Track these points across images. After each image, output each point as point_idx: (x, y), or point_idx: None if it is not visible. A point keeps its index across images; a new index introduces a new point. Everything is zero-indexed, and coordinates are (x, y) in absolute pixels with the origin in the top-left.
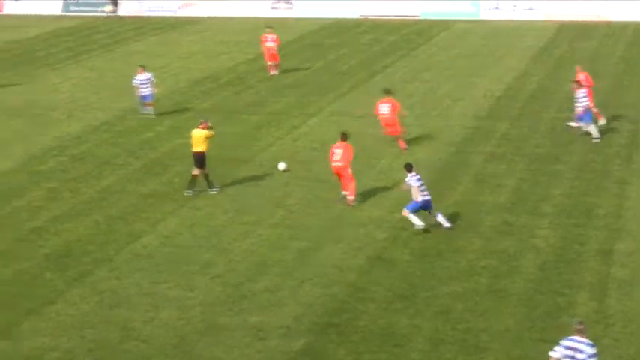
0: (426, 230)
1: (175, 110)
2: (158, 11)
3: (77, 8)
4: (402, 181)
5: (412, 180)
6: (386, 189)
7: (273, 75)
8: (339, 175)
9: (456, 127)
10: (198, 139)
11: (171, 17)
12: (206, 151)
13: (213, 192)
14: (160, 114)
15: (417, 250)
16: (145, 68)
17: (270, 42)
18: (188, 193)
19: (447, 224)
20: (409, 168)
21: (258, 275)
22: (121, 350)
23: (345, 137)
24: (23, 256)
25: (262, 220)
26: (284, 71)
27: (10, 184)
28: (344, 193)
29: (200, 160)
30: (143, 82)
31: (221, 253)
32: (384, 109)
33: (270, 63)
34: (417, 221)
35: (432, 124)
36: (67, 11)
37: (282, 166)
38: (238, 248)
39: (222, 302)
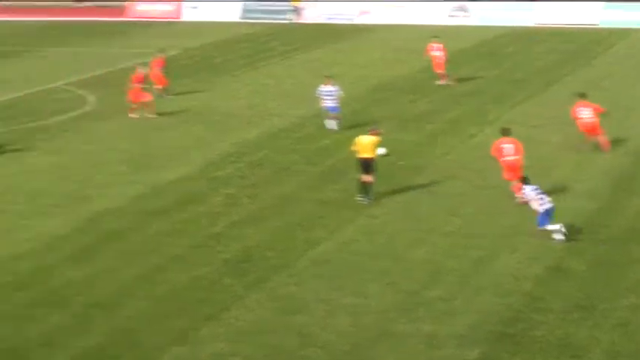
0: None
1: (353, 118)
2: (336, 19)
3: (255, 15)
4: (579, 191)
5: (529, 192)
6: (561, 199)
7: (443, 85)
8: (514, 171)
9: (636, 137)
10: (367, 145)
11: (349, 25)
12: (374, 157)
13: (363, 200)
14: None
15: (593, 260)
16: (331, 79)
17: (435, 51)
18: (361, 200)
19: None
20: (525, 180)
21: (433, 283)
22: (298, 357)
23: (508, 132)
24: (202, 261)
25: (437, 228)
26: (460, 79)
27: (189, 189)
28: (518, 196)
29: (368, 166)
30: (327, 93)
31: (396, 260)
32: (585, 112)
33: (439, 72)
34: (554, 227)
35: (612, 133)
36: (244, 18)
37: (381, 150)
38: (413, 256)
39: (397, 310)
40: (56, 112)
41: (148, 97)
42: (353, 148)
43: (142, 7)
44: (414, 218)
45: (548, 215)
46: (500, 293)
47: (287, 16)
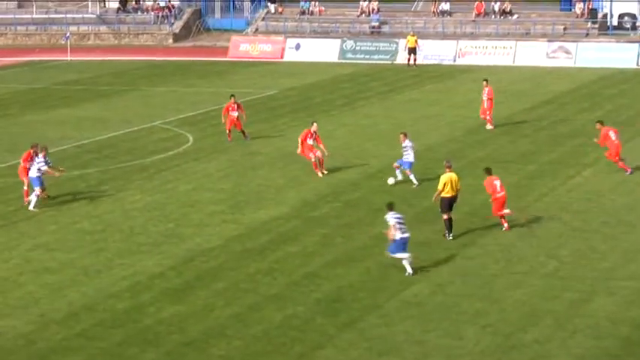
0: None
1: (451, 159)
2: (435, 59)
3: (353, 56)
4: None
5: (390, 218)
6: None
7: (491, 129)
8: (503, 204)
9: None
10: (456, 182)
11: (448, 65)
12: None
13: (449, 237)
14: (435, 160)
15: None
16: (407, 136)
17: (484, 95)
18: (449, 237)
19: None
20: (390, 206)
21: (529, 326)
22: None
23: (491, 171)
24: (295, 301)
25: (534, 270)
26: (561, 120)
27: (284, 229)
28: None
29: (452, 203)
30: (404, 149)
31: (492, 302)
32: None
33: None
34: (403, 255)
35: None
36: (343, 59)
37: (391, 180)
38: (509, 298)
39: (492, 352)
40: (155, 152)
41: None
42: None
43: (244, 48)
44: (511, 260)
45: (403, 245)
46: (596, 336)
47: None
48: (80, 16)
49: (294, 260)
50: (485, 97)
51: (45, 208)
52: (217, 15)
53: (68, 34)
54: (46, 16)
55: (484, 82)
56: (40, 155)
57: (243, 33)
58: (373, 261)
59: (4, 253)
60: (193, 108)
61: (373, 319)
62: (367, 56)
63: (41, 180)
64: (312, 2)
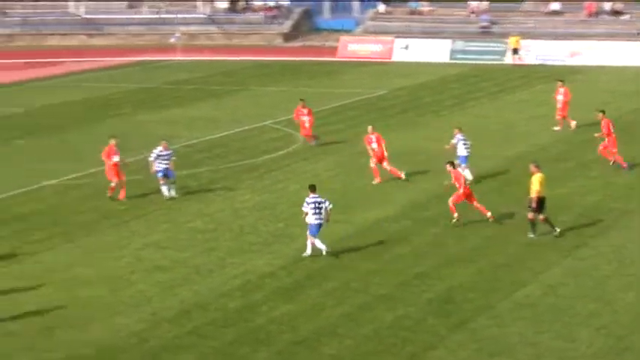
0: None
1: (558, 160)
2: (547, 60)
3: (464, 56)
4: None
5: (309, 200)
6: None
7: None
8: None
9: None
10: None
11: (559, 66)
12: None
13: (555, 233)
14: (548, 160)
15: None
16: (460, 130)
17: (559, 95)
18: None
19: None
20: (312, 188)
21: None
22: None
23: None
24: (406, 301)
25: None
26: None
27: (394, 229)
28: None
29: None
30: (456, 143)
31: (605, 304)
32: None
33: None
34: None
35: None
36: (453, 59)
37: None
38: (622, 300)
39: (604, 355)
40: (265, 151)
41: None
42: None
43: (353, 48)
44: (623, 261)
45: (316, 229)
46: None
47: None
48: (190, 16)
49: (405, 260)
50: (561, 98)
51: (156, 207)
52: (326, 15)
53: (178, 34)
54: (157, 16)
55: (559, 83)
56: (160, 147)
57: (352, 33)
58: (484, 261)
59: (115, 252)
60: None
61: (484, 320)
62: (476, 56)
63: (164, 171)
64: (422, 2)
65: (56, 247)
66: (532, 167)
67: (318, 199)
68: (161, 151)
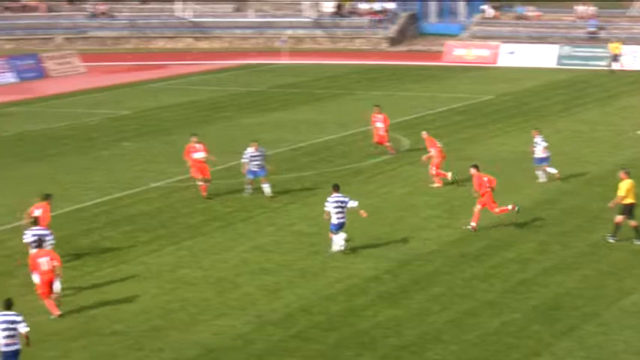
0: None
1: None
2: None
3: (571, 62)
4: None
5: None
6: None
7: None
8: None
9: None
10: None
11: None
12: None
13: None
14: None
15: None
16: (539, 132)
17: None
18: (611, 239)
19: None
20: (336, 188)
21: None
22: None
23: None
24: (511, 307)
25: None
26: None
27: (500, 234)
28: None
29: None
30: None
31: None
32: None
33: None
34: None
35: None
36: (560, 64)
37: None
38: None
39: None
40: (370, 155)
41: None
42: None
43: (459, 52)
44: None
45: (337, 228)
46: None
47: (604, 63)
48: (296, 20)
49: (511, 266)
50: None
51: (262, 210)
52: (432, 19)
53: (284, 38)
54: (263, 19)
55: None
56: (251, 149)
57: (458, 38)
58: (590, 268)
59: (222, 254)
60: (409, 112)
61: (591, 328)
62: (584, 62)
63: (254, 172)
64: (528, 7)
65: (162, 249)
66: (621, 174)
67: (341, 198)
68: (252, 152)
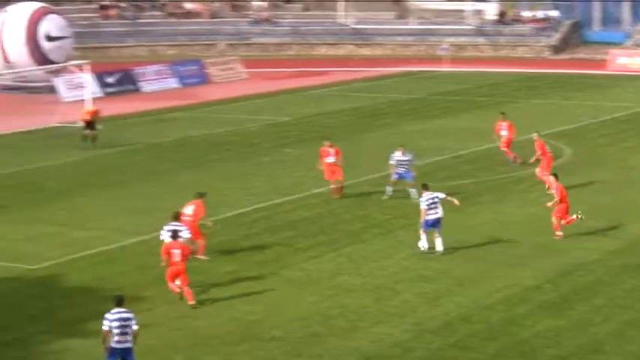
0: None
1: None
2: None
3: None
4: None
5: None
6: None
7: None
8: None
9: None
10: None
11: None
12: None
13: None
14: None
15: None
16: None
17: None
18: None
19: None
20: (425, 187)
21: None
22: None
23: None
24: None
25: None
26: None
27: None
28: None
29: None
30: None
31: None
32: None
33: None
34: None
35: None
36: None
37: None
38: None
39: None
40: (532, 164)
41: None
42: None
43: (623, 61)
44: None
45: (431, 225)
46: None
47: None
48: (458, 27)
49: None
50: None
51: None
52: (595, 27)
53: (446, 46)
54: (424, 27)
55: None
56: (398, 153)
57: (623, 46)
58: None
59: (381, 261)
60: (571, 121)
61: None
62: None
63: (400, 175)
64: None
65: (322, 256)
66: None
67: (432, 196)
68: (399, 157)
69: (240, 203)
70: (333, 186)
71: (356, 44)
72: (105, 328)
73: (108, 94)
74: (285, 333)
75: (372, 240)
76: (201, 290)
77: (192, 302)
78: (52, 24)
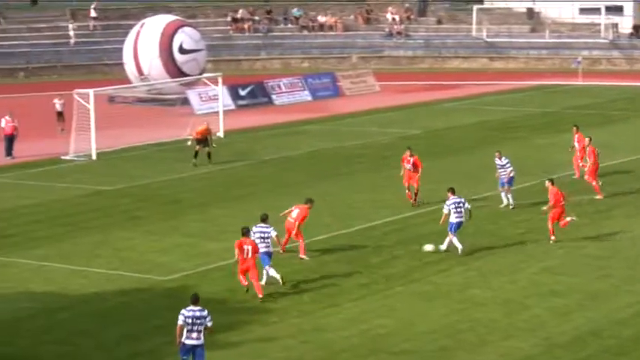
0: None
1: None
2: None
3: None
4: None
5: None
6: None
7: None
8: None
9: None
10: None
11: None
12: None
13: None
14: None
15: None
16: None
17: None
18: None
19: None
20: (451, 190)
21: None
22: None
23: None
24: None
25: None
26: None
27: None
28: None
29: None
30: None
31: None
32: None
33: None
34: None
35: None
36: None
37: (428, 247)
38: None
39: None
40: None
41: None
42: None
43: None
44: None
45: (457, 227)
46: None
47: None
48: (592, 40)
49: None
50: None
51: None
52: None
53: (579, 59)
54: (559, 40)
55: None
56: (496, 157)
57: None
58: None
59: (511, 275)
60: None
61: None
62: None
63: (502, 181)
64: None
65: (451, 269)
66: None
67: (457, 200)
68: (497, 162)
69: (371, 216)
70: (408, 192)
71: (489, 57)
72: (180, 322)
73: (240, 107)
74: (415, 346)
75: (502, 253)
76: (331, 303)
77: (260, 296)
78: (186, 37)
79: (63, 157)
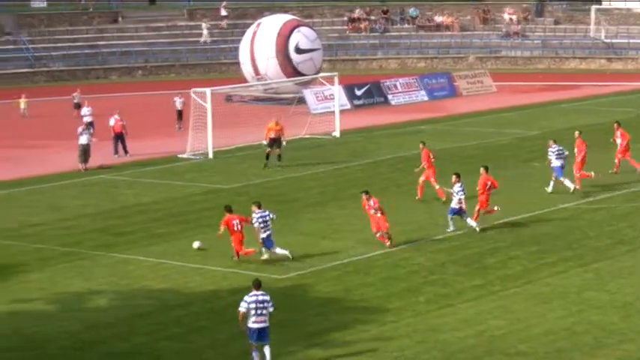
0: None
1: None
2: None
3: None
4: None
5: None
6: None
7: None
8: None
9: None
10: None
11: None
12: None
13: None
14: None
15: None
16: None
17: None
18: None
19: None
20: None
21: None
22: None
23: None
24: None
25: None
26: None
27: None
28: None
29: None
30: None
31: None
32: None
33: None
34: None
35: None
36: None
37: (196, 244)
38: None
39: None
40: None
41: None
42: None
43: None
44: None
45: (456, 212)
46: None
47: None
48: None
49: None
50: None
51: None
52: None
53: None
54: None
55: None
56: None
57: None
58: None
59: (629, 278)
60: None
61: None
62: None
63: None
64: None
65: (568, 271)
66: None
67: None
68: (551, 148)
69: (486, 217)
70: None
71: (607, 58)
72: (242, 309)
73: (356, 107)
74: (531, 348)
75: (620, 256)
76: (446, 303)
77: (237, 257)
78: (302, 36)
79: (180, 156)
